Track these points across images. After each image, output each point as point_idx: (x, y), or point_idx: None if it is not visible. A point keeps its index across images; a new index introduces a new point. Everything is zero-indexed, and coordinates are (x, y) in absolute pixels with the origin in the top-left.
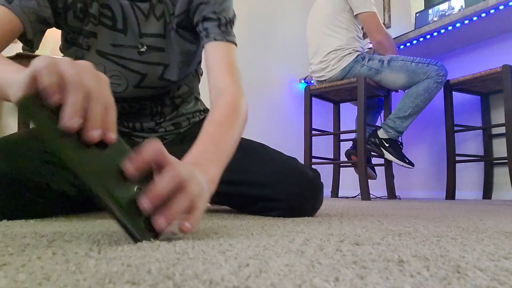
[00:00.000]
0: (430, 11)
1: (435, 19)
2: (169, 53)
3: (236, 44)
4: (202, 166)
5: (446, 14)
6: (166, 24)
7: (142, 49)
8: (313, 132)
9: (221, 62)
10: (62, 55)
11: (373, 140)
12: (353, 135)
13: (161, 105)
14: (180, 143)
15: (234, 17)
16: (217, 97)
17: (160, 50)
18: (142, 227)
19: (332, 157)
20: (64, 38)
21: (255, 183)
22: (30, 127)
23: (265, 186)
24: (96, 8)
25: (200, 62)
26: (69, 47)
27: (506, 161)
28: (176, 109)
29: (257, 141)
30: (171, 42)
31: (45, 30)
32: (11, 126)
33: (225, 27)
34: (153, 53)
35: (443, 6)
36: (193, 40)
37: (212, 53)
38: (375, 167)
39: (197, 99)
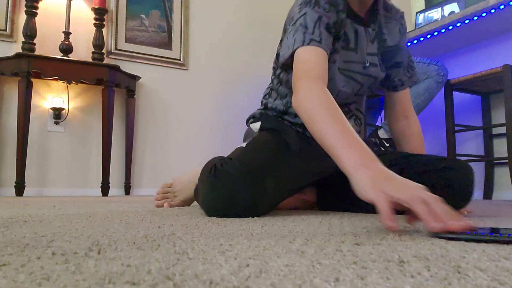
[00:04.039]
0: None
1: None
2: (379, 69)
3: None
4: None
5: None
6: (380, 46)
7: (367, 64)
8: None
9: (408, 100)
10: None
11: (373, 140)
12: None
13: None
14: None
15: None
16: (409, 121)
17: (375, 66)
18: None
19: None
20: None
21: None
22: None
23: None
24: (342, 32)
25: None
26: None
27: (507, 161)
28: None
29: None
30: (379, 62)
31: None
32: (11, 126)
33: (408, 71)
34: (371, 68)
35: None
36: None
37: (404, 94)
38: None
39: None
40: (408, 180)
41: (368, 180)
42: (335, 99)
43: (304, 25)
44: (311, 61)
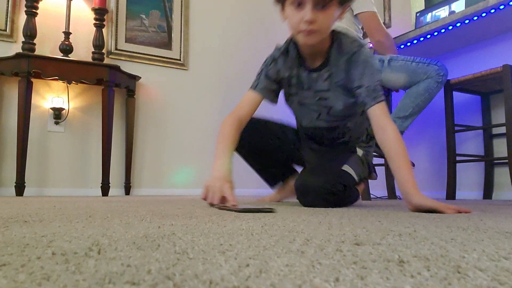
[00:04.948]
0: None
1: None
2: (332, 100)
3: (383, 100)
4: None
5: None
6: (332, 83)
7: (316, 99)
8: None
9: (381, 115)
10: (287, 101)
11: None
12: None
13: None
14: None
15: (380, 77)
16: (385, 132)
17: (326, 99)
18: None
19: None
20: (285, 93)
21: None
22: None
23: None
24: (294, 79)
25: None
26: (288, 99)
27: (507, 161)
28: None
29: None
30: (335, 94)
31: (276, 91)
32: (11, 126)
33: (372, 92)
34: (322, 101)
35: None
36: (352, 95)
37: (376, 109)
38: (376, 167)
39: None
40: (224, 182)
41: (212, 177)
42: (302, 122)
43: (256, 75)
44: (243, 102)
